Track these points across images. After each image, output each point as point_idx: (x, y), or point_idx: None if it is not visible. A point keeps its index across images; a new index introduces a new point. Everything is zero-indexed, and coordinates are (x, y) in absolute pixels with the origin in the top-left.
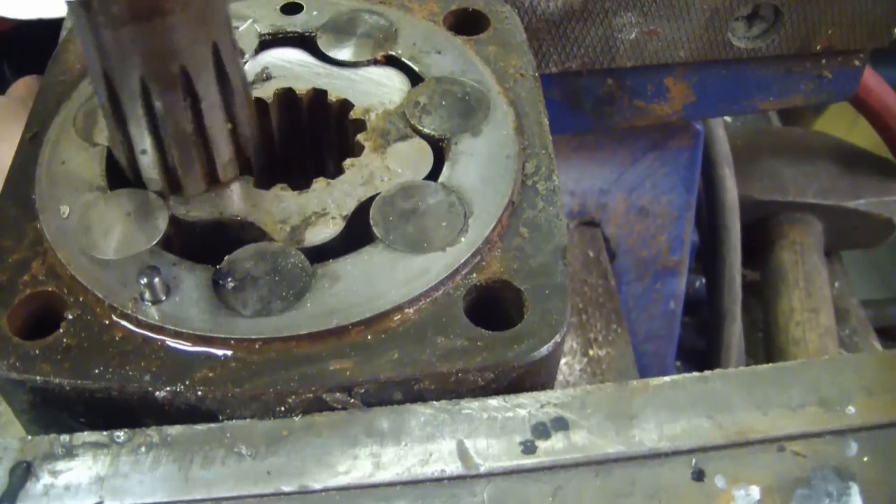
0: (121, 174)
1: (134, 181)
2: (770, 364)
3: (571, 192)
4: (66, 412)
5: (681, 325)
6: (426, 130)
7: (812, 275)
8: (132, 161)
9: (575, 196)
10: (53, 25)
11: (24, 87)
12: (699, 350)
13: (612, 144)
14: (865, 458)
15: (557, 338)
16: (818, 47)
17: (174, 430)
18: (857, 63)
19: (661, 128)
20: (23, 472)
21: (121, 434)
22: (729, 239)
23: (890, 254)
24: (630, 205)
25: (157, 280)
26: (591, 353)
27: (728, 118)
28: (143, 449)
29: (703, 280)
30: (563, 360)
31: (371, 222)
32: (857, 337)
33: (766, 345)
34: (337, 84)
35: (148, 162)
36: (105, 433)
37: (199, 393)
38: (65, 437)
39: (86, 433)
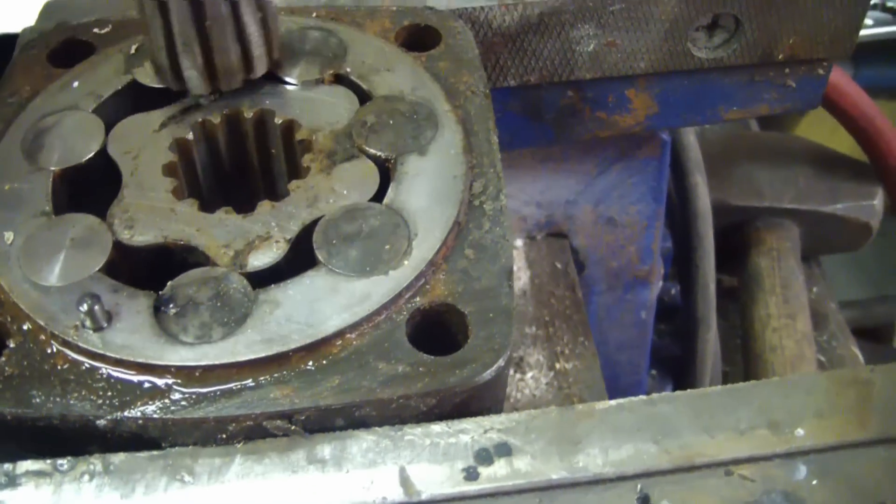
0: (68, 198)
1: (174, 84)
2: (719, 386)
3: (538, 203)
4: (9, 440)
5: (657, 333)
6: (372, 150)
7: (789, 280)
8: (173, 60)
9: (542, 207)
10: (8, 43)
11: None
12: (675, 358)
13: (578, 155)
14: (815, 482)
15: (501, 362)
16: (780, 56)
17: (117, 457)
18: (821, 72)
19: (627, 138)
20: None
21: (64, 462)
22: (702, 246)
23: (875, 253)
24: (598, 215)
25: (97, 307)
26: (557, 366)
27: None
28: (86, 477)
29: (679, 287)
30: (529, 374)
31: (314, 246)
32: (835, 342)
33: (743, 351)
34: (284, 104)
35: (189, 55)
36: (48, 461)
37: (141, 421)
38: (7, 466)
39: (28, 461)
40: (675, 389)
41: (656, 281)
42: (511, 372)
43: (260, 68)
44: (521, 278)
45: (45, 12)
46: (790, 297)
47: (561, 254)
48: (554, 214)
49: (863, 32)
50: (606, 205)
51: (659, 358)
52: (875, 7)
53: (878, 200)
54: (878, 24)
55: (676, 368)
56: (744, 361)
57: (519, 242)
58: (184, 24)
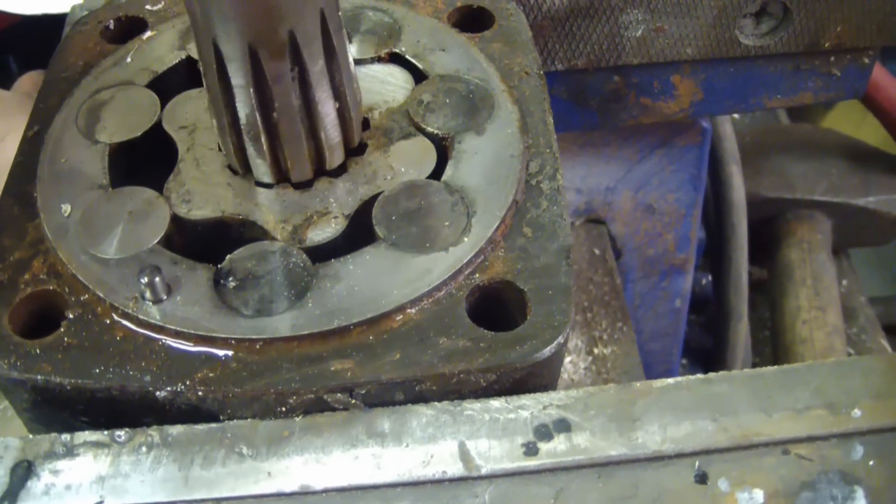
0: (123, 172)
1: (240, 168)
2: (775, 366)
3: (578, 189)
4: (68, 411)
5: (687, 324)
6: (430, 129)
7: (820, 273)
8: (239, 147)
9: (581, 193)
10: (59, 20)
11: (29, 81)
12: (705, 349)
13: (619, 141)
14: (871, 462)
15: (560, 339)
16: (827, 45)
17: (175, 429)
18: (866, 61)
19: (669, 125)
20: (24, 472)
21: (122, 434)
22: (735, 237)
23: None
24: (636, 202)
25: (157, 279)
26: (595, 351)
27: (736, 115)
28: (143, 449)
29: (710, 278)
30: (567, 359)
31: (373, 222)
32: (864, 335)
33: (772, 343)
34: None
35: (253, 145)
36: (106, 433)
37: (200, 393)
38: (66, 437)
39: (87, 432)
40: None
41: (691, 270)
42: None
43: (332, 162)
44: None
45: None
46: (821, 290)
47: (599, 240)
48: (593, 200)
49: None
50: (646, 192)
51: (689, 348)
52: None
53: None
54: None
55: (706, 359)
56: (773, 353)
57: None
58: (248, 113)
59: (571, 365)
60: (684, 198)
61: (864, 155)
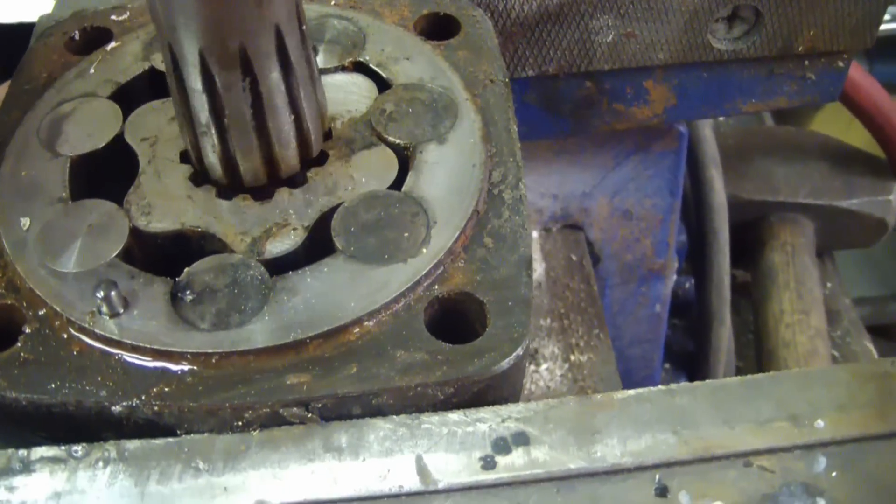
0: (85, 184)
1: (199, 170)
2: (738, 377)
3: (554, 195)
4: (25, 426)
5: (670, 327)
6: (392, 138)
7: (803, 276)
8: (195, 144)
9: (557, 199)
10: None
11: None
12: (689, 352)
13: (594, 148)
14: (834, 474)
15: (519, 351)
16: (800, 49)
17: (132, 444)
18: (840, 64)
19: (644, 130)
20: None
21: (78, 449)
22: (717, 241)
23: (888, 251)
24: (613, 208)
25: (113, 293)
26: (572, 358)
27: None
28: (100, 464)
29: (693, 281)
30: (544, 366)
31: (332, 233)
32: (849, 338)
33: (756, 347)
34: None
35: (208, 145)
36: (63, 448)
37: (156, 408)
38: (22, 452)
39: (43, 448)
40: None
41: (671, 274)
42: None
43: (287, 171)
44: (537, 270)
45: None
46: (804, 293)
47: (576, 246)
48: (570, 207)
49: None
50: (622, 197)
51: (672, 352)
52: (894, 1)
53: (894, 196)
54: (894, 19)
55: (689, 363)
56: (756, 357)
57: (534, 234)
58: (201, 115)
59: (548, 372)
60: (661, 203)
61: (847, 157)
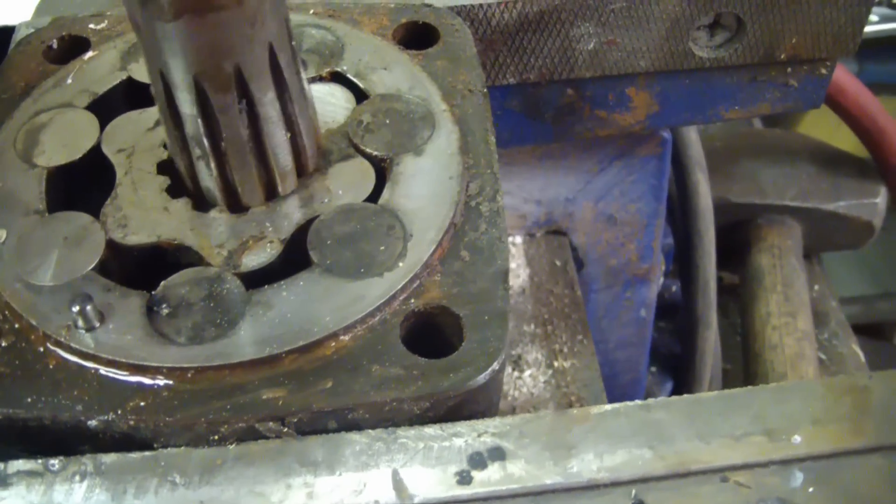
0: (62, 196)
1: (194, 193)
2: (714, 392)
3: (538, 200)
4: (0, 440)
5: (656, 330)
6: (368, 150)
7: (790, 278)
8: (191, 170)
9: (541, 205)
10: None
11: None
12: (675, 355)
13: (578, 153)
14: (811, 489)
15: (495, 366)
16: (783, 56)
17: (109, 458)
18: (823, 71)
19: (628, 136)
20: None
21: (55, 462)
22: (702, 245)
23: (877, 250)
24: (597, 213)
25: (89, 307)
26: (556, 364)
27: None
28: (77, 478)
29: (680, 284)
30: (527, 372)
31: (308, 247)
32: (836, 340)
33: (743, 349)
34: None
35: (205, 169)
36: (39, 461)
37: (132, 422)
38: None
39: (20, 461)
40: (674, 387)
41: (656, 279)
42: (509, 370)
43: (285, 189)
44: (520, 276)
45: (42, 7)
46: (791, 295)
47: (560, 251)
48: (553, 212)
49: (868, 28)
50: (606, 202)
51: (658, 355)
52: (881, 3)
53: (880, 199)
54: (883, 20)
55: (676, 366)
56: (744, 359)
57: (518, 240)
58: (197, 141)
59: (531, 378)
60: (646, 208)
61: (834, 159)
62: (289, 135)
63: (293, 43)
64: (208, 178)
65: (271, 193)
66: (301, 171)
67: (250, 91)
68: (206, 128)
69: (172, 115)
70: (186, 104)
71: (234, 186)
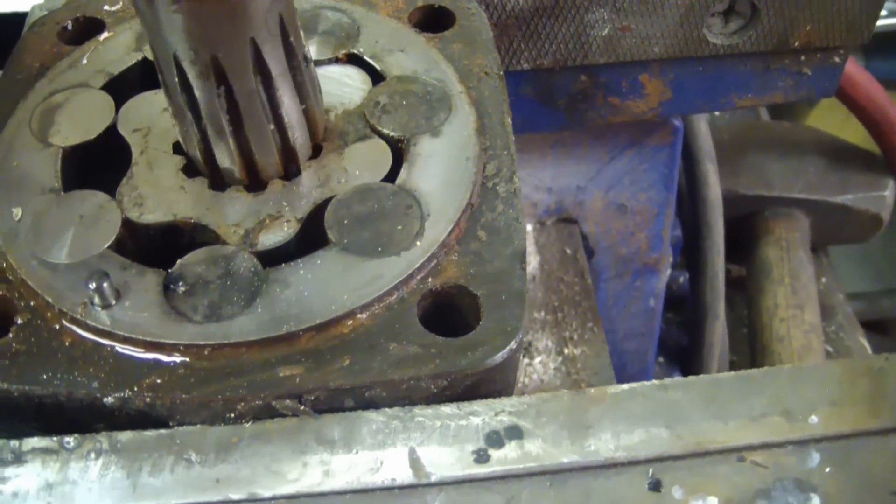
0: (77, 175)
1: (209, 174)
2: (732, 373)
3: (549, 188)
4: (16, 417)
5: (664, 322)
6: (385, 131)
7: (798, 271)
8: (207, 151)
9: (552, 193)
10: (15, 22)
11: None
12: (682, 347)
13: (590, 141)
14: (827, 470)
15: (513, 345)
16: (796, 44)
17: (124, 436)
18: (837, 60)
19: (639, 124)
20: None
21: (70, 440)
22: (711, 236)
23: (883, 246)
24: (608, 202)
25: (105, 285)
26: (566, 351)
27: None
28: (92, 455)
29: (688, 276)
30: (537, 359)
31: (325, 226)
32: (843, 333)
33: (750, 341)
34: None
35: (224, 149)
36: (55, 439)
37: (148, 400)
38: (14, 443)
39: (35, 439)
40: None
41: (665, 269)
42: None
43: (302, 160)
44: (531, 263)
45: None
46: (798, 288)
47: (570, 240)
48: (564, 200)
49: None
50: (617, 191)
51: (666, 347)
52: None
53: (889, 192)
54: (891, 14)
55: (683, 357)
56: (751, 351)
57: (529, 227)
58: (215, 121)
59: (541, 365)
60: (656, 197)
61: (842, 152)
62: (273, 126)
63: (291, 39)
64: (226, 158)
65: (254, 178)
66: (289, 161)
67: (228, 81)
68: (225, 105)
69: (188, 97)
70: (171, 78)
71: (253, 162)
